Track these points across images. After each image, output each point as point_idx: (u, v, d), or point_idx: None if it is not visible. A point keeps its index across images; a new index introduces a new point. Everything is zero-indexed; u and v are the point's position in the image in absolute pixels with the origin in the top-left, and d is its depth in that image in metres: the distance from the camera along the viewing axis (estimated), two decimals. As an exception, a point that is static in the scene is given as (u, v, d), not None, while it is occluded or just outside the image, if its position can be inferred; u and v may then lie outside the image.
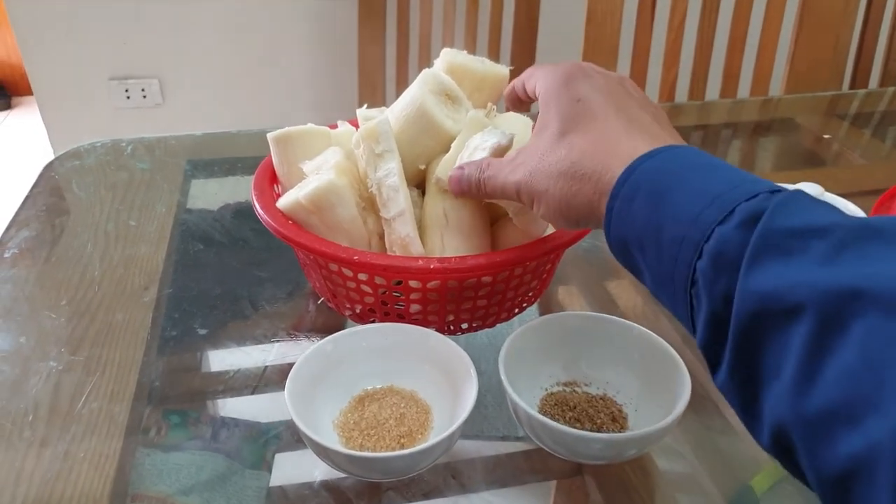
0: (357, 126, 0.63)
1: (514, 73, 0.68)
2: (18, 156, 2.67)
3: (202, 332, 0.64)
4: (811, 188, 0.64)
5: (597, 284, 0.72)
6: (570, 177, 0.42)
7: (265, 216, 0.56)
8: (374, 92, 1.41)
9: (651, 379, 0.53)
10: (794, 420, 0.29)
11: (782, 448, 0.31)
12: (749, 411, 0.33)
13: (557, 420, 0.50)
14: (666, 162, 0.39)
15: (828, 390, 0.28)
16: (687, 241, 0.35)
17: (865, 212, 0.65)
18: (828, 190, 0.66)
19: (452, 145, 0.56)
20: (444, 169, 0.55)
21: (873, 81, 1.49)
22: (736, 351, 0.32)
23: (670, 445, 0.53)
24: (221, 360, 0.61)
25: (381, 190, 0.54)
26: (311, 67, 1.95)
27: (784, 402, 0.30)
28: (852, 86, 1.47)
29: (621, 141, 0.41)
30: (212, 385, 0.59)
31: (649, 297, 0.70)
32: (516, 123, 0.61)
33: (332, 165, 0.54)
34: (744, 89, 1.38)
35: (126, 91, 1.88)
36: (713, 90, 1.39)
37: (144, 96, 1.89)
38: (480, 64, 0.64)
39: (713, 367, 0.35)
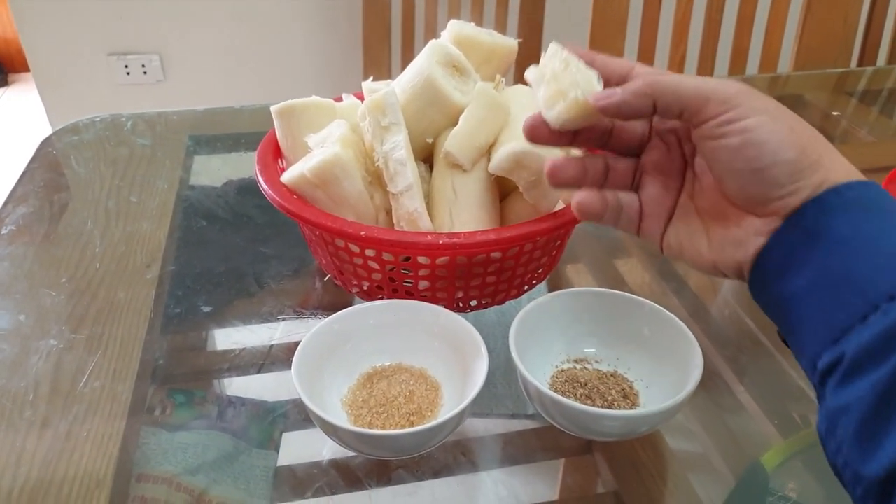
0: (362, 99, 0.62)
1: (522, 46, 0.67)
2: (15, 134, 2.64)
3: (206, 309, 0.63)
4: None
5: (606, 262, 0.71)
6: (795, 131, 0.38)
7: (269, 191, 0.55)
8: (379, 67, 1.39)
9: (662, 355, 0.52)
10: None
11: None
12: (869, 431, 0.32)
13: (568, 397, 0.49)
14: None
15: None
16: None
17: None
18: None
19: (461, 118, 0.55)
20: (452, 143, 0.54)
21: (881, 58, 1.47)
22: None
23: (680, 422, 0.53)
24: (226, 338, 0.60)
25: (387, 164, 0.53)
26: (316, 41, 1.92)
27: None
28: (860, 63, 1.45)
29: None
30: (217, 363, 0.58)
31: (658, 275, 0.69)
32: (526, 96, 0.60)
33: (337, 138, 0.53)
34: (752, 66, 1.36)
35: (126, 67, 1.85)
36: (721, 67, 1.37)
37: (145, 72, 1.87)
38: (488, 36, 0.63)
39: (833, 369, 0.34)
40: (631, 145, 0.45)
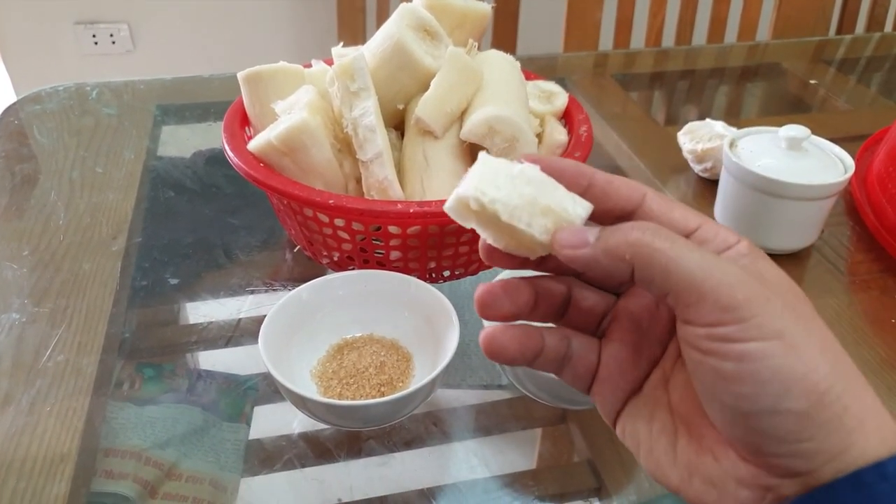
0: (332, 66, 0.60)
1: (498, 12, 0.65)
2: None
3: (174, 282, 0.61)
4: (798, 130, 0.63)
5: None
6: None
7: (235, 159, 0.53)
8: (354, 35, 1.36)
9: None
10: None
11: None
12: None
13: (542, 367, 0.49)
14: None
15: None
16: None
17: (851, 156, 0.63)
18: (814, 134, 0.64)
19: (432, 83, 0.53)
20: (423, 109, 0.53)
21: (860, 27, 1.47)
22: None
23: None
24: (195, 310, 0.59)
25: (356, 130, 0.51)
26: (289, 9, 1.88)
27: None
28: (839, 31, 1.45)
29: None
30: (185, 337, 0.57)
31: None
32: (499, 62, 0.59)
33: (304, 104, 0.52)
34: (731, 33, 1.35)
35: (94, 36, 1.80)
36: (700, 35, 1.36)
37: (113, 42, 1.82)
38: (461, 0, 0.61)
39: None
40: (606, 281, 0.33)
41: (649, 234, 0.27)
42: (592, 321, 0.32)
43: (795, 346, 0.26)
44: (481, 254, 0.31)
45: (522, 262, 0.31)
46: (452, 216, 0.29)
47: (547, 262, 0.31)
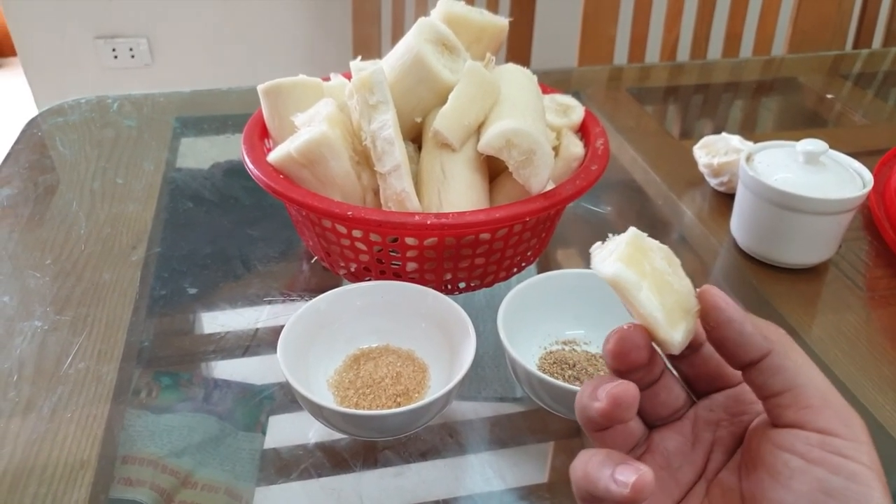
0: (351, 79, 0.61)
1: (512, 26, 0.66)
2: (3, 120, 2.61)
3: (192, 291, 0.62)
4: (816, 144, 0.63)
5: (596, 245, 0.71)
6: None
7: (255, 170, 0.54)
8: (368, 49, 1.37)
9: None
10: None
11: None
12: None
13: (556, 378, 0.49)
14: None
15: None
16: None
17: (869, 171, 0.63)
18: (831, 149, 0.64)
19: (450, 96, 0.54)
20: (441, 121, 0.53)
21: (877, 41, 1.47)
22: None
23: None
24: (212, 320, 0.60)
25: (375, 143, 0.52)
26: (305, 23, 1.91)
27: None
28: (855, 45, 1.44)
29: None
30: (203, 346, 0.57)
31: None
32: (517, 75, 0.59)
33: (324, 117, 0.52)
34: (746, 49, 1.35)
35: (113, 51, 1.83)
36: (715, 50, 1.36)
37: (133, 56, 1.85)
38: (479, 14, 0.62)
39: None
40: (656, 411, 0.33)
41: (789, 337, 0.29)
42: (629, 445, 0.33)
43: (884, 483, 0.27)
44: (619, 344, 0.31)
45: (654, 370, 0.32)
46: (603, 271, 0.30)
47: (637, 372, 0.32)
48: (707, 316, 0.30)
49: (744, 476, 0.30)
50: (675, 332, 0.30)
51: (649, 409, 0.33)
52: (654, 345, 0.31)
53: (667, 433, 0.33)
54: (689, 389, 0.34)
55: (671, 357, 0.32)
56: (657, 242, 0.31)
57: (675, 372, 0.34)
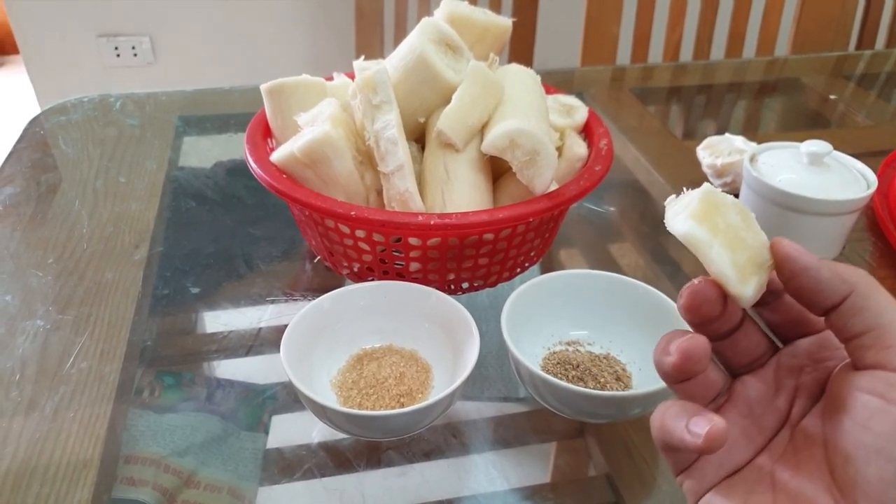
0: (354, 79, 0.61)
1: (516, 25, 0.66)
2: (5, 118, 2.61)
3: (195, 290, 0.62)
4: (820, 145, 0.63)
5: (600, 246, 0.71)
6: None
7: (258, 170, 0.54)
8: (371, 49, 1.37)
9: (655, 338, 0.51)
10: None
11: None
12: None
13: (560, 379, 0.49)
14: None
15: None
16: None
17: (873, 172, 0.63)
18: (834, 149, 0.64)
19: (454, 97, 0.54)
20: (445, 122, 0.53)
21: (880, 42, 1.46)
22: None
23: (674, 406, 0.52)
24: (215, 319, 0.60)
25: (378, 143, 0.52)
26: (307, 22, 1.91)
27: None
28: (859, 46, 1.44)
29: None
30: (205, 345, 0.57)
31: (652, 259, 0.68)
32: (520, 75, 0.59)
33: (327, 117, 0.52)
34: (749, 49, 1.35)
35: (116, 49, 1.83)
36: (718, 50, 1.36)
37: (135, 54, 1.85)
38: (482, 15, 0.62)
39: None
40: (737, 359, 0.33)
41: (871, 277, 0.28)
42: (709, 394, 0.33)
43: None
44: (691, 298, 0.31)
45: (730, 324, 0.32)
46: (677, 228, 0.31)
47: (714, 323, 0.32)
48: (781, 268, 0.30)
49: (826, 421, 0.30)
50: (746, 288, 0.30)
51: (730, 356, 0.33)
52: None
53: (749, 381, 0.33)
54: (774, 336, 0.34)
55: (754, 305, 0.32)
56: (731, 197, 0.31)
57: (758, 319, 0.34)
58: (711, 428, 0.28)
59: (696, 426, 0.29)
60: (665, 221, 0.32)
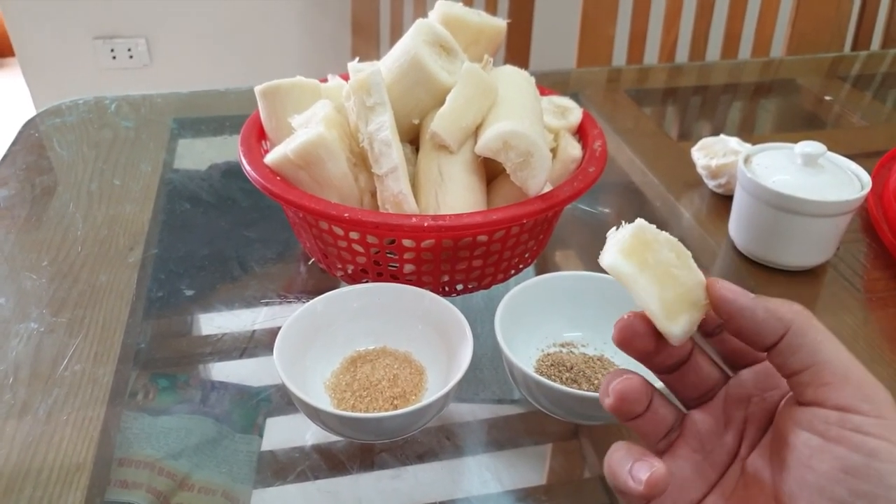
0: (348, 80, 0.61)
1: (511, 27, 0.66)
2: (0, 120, 2.61)
3: (189, 293, 0.62)
4: (815, 147, 0.63)
5: (594, 248, 0.70)
6: None
7: (252, 172, 0.54)
8: (368, 51, 1.37)
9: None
10: None
11: None
12: None
13: (554, 380, 0.49)
14: None
15: None
16: None
17: (867, 173, 0.63)
18: (829, 150, 0.64)
19: (448, 98, 0.54)
20: (439, 123, 0.53)
21: (875, 43, 1.47)
22: None
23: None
24: (210, 322, 0.60)
25: (372, 145, 0.52)
26: (304, 24, 1.91)
27: None
28: (854, 47, 1.44)
29: None
30: (200, 348, 0.57)
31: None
32: (514, 77, 0.59)
33: (321, 118, 0.52)
34: (745, 50, 1.35)
35: (112, 51, 1.83)
36: (714, 51, 1.36)
37: (131, 56, 1.84)
38: (477, 16, 0.62)
39: None
40: (686, 392, 0.33)
41: (808, 312, 0.28)
42: (661, 430, 0.33)
43: None
44: (621, 333, 0.31)
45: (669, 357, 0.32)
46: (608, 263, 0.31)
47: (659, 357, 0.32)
48: (717, 309, 0.30)
49: (773, 457, 0.30)
50: (674, 325, 0.30)
51: (680, 389, 0.33)
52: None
53: (699, 415, 0.33)
54: (725, 366, 0.34)
55: (705, 336, 0.33)
56: (665, 234, 0.31)
57: (708, 349, 0.34)
58: (651, 475, 0.28)
59: (639, 472, 0.29)
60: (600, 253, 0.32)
